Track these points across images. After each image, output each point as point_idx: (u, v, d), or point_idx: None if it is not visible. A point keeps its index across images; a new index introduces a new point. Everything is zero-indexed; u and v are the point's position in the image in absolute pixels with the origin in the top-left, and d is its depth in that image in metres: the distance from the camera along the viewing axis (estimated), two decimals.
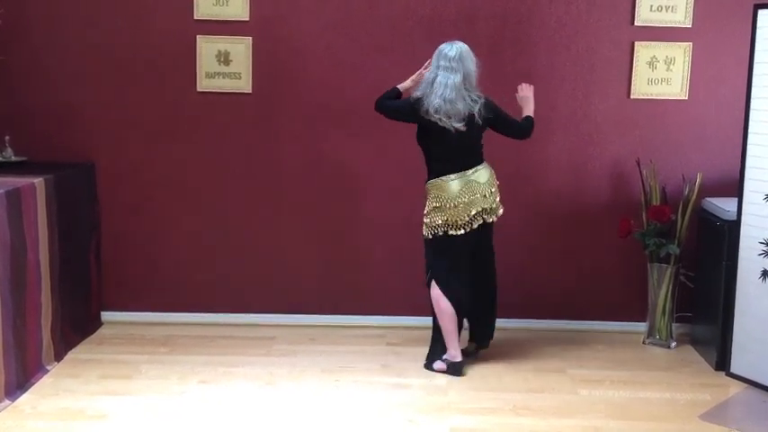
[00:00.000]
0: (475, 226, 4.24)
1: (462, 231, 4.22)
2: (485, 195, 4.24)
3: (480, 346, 4.55)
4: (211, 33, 4.87)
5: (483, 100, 4.18)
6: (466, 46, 4.19)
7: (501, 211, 4.35)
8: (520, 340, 4.87)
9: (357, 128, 4.94)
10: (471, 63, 4.16)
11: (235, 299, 5.09)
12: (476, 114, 4.14)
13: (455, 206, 4.20)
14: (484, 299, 4.45)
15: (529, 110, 4.37)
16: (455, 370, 4.33)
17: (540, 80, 4.89)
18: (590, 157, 4.98)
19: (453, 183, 4.20)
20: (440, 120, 4.12)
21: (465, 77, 4.14)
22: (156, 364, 4.45)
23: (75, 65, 4.90)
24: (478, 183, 4.23)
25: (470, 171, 4.22)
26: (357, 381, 4.28)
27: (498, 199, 4.32)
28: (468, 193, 4.20)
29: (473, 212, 4.22)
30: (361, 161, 4.99)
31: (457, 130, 4.13)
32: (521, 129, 4.33)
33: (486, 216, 4.28)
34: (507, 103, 4.73)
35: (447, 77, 4.11)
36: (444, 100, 4.10)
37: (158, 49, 4.89)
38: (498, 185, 4.33)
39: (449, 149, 4.21)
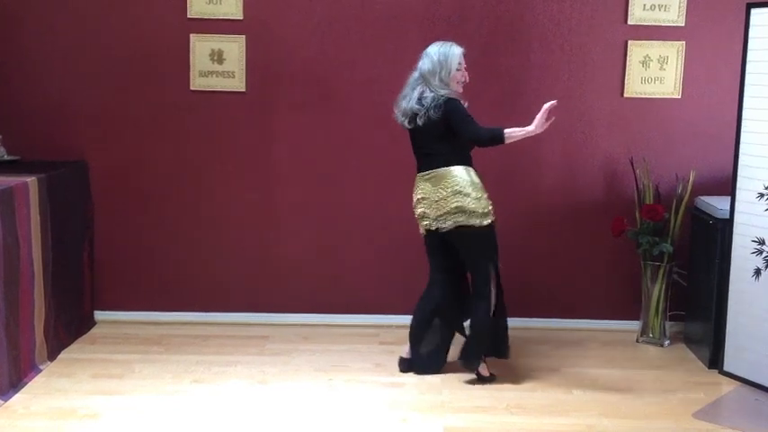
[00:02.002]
0: (424, 224, 4.21)
1: (421, 229, 4.25)
2: (429, 199, 4.14)
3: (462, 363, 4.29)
4: (205, 32, 4.87)
5: (437, 102, 4.03)
6: (438, 45, 4.12)
7: (446, 224, 4.10)
8: (513, 339, 4.85)
9: (351, 126, 4.94)
10: (429, 62, 4.08)
11: (228, 298, 5.09)
12: (418, 114, 4.07)
13: (414, 202, 4.27)
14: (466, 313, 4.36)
15: (521, 127, 4.04)
16: (399, 364, 4.40)
17: (534, 79, 4.91)
18: (583, 156, 4.99)
19: (416, 179, 4.24)
20: (396, 116, 4.18)
21: (421, 75, 4.11)
22: (149, 363, 4.44)
23: (67, 63, 4.89)
24: (429, 187, 4.15)
25: (425, 172, 4.18)
26: (350, 380, 4.28)
27: (448, 210, 4.09)
28: (417, 194, 4.21)
29: (417, 213, 4.23)
30: (354, 160, 4.98)
31: (405, 127, 4.16)
32: (473, 133, 4.05)
33: (432, 223, 4.16)
34: (501, 102, 4.76)
35: (411, 75, 4.17)
36: (401, 96, 4.17)
37: (152, 48, 4.88)
38: (455, 202, 4.07)
39: (412, 146, 4.26)
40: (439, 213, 4.13)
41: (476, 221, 4.10)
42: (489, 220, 4.14)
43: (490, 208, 4.16)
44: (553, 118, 4.06)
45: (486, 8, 4.86)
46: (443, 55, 4.10)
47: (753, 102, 4.11)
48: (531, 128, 4.03)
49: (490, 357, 4.32)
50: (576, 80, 4.93)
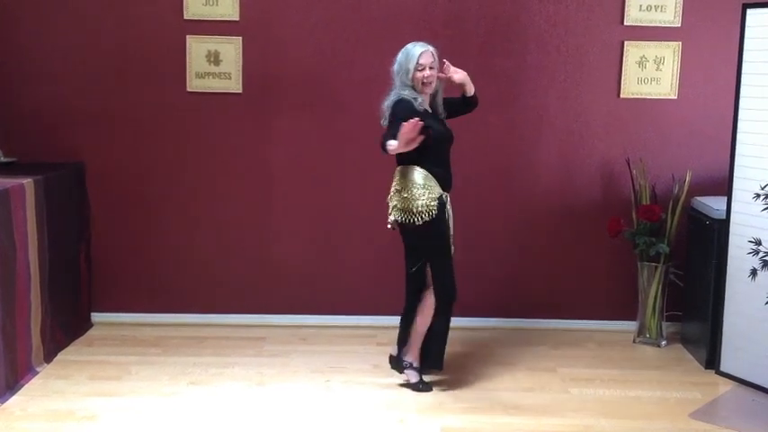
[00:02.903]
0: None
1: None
2: (391, 192, 4.15)
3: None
4: (201, 33, 4.86)
5: (393, 103, 4.03)
6: (408, 45, 4.06)
7: (390, 218, 4.13)
8: (510, 339, 4.88)
9: (348, 127, 4.94)
10: (396, 62, 4.07)
11: (225, 299, 5.08)
12: (383, 115, 4.07)
13: None
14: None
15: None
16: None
17: (530, 80, 4.92)
18: (580, 157, 4.99)
19: None
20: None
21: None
22: (146, 365, 4.43)
23: (64, 64, 4.88)
24: (393, 181, 4.16)
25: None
26: (348, 381, 4.28)
27: (392, 208, 4.12)
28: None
29: None
30: (352, 160, 4.98)
31: None
32: (383, 135, 3.98)
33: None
34: (497, 103, 4.76)
35: None
36: None
37: (148, 49, 4.88)
38: (395, 200, 4.08)
39: None
40: (391, 206, 4.13)
41: (408, 218, 4.04)
42: (422, 220, 4.02)
43: (429, 208, 4.01)
44: (421, 137, 3.78)
45: (482, 9, 4.86)
46: (404, 55, 4.05)
47: (749, 102, 4.11)
48: (395, 143, 3.84)
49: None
50: (573, 81, 4.93)
